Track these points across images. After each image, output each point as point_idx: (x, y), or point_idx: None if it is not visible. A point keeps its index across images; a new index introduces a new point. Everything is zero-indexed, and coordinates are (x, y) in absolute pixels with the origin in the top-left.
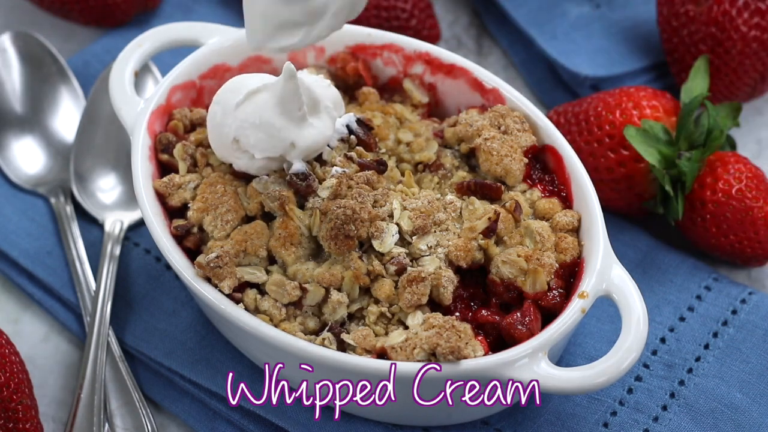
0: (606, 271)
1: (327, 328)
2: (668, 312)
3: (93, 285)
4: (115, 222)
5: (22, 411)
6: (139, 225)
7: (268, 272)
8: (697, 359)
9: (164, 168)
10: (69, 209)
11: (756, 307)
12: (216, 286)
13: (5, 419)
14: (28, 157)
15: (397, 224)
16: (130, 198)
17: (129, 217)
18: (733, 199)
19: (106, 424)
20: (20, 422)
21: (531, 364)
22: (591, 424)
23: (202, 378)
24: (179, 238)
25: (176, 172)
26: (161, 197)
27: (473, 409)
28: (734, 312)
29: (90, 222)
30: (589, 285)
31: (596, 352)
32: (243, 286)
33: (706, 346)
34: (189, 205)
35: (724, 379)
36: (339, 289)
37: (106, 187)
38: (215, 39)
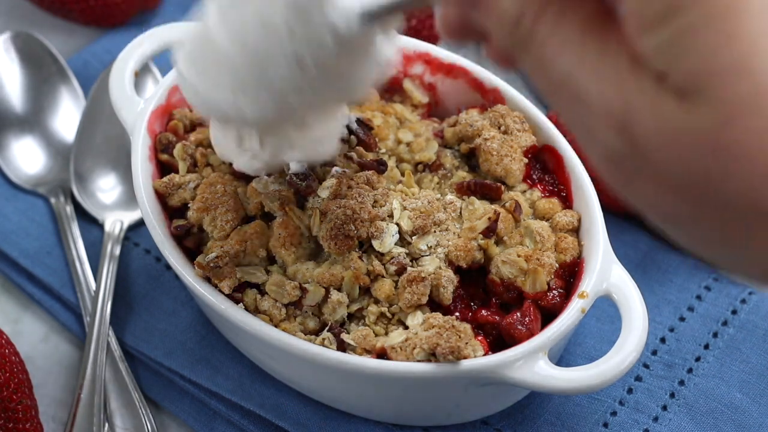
0: (606, 271)
1: (327, 328)
2: (668, 312)
3: (93, 285)
4: (115, 222)
5: (22, 411)
6: (139, 225)
7: (268, 272)
8: (697, 359)
9: (164, 168)
10: (69, 209)
11: (756, 307)
12: (216, 286)
13: (5, 419)
14: (28, 157)
15: (397, 224)
16: (130, 198)
17: (129, 217)
18: None
19: (106, 424)
20: (20, 422)
21: (531, 364)
22: (591, 424)
23: (202, 378)
24: (179, 238)
25: (176, 172)
26: (161, 197)
27: (473, 409)
28: (734, 312)
29: (90, 222)
30: (589, 285)
31: (596, 352)
32: (243, 286)
33: (706, 346)
34: (189, 205)
35: (724, 379)
36: (339, 289)
37: (106, 187)
38: None
